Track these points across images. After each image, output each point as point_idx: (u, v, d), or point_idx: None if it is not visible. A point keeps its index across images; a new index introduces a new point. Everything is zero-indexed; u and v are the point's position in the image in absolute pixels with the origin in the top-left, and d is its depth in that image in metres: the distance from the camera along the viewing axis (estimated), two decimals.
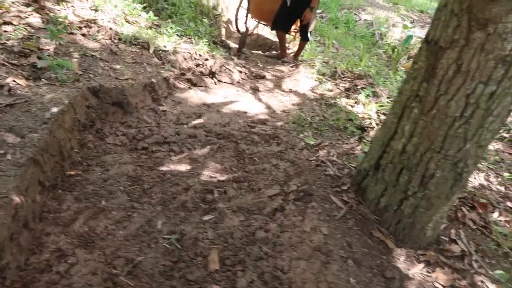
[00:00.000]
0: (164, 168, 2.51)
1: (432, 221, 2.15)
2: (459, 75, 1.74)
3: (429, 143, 1.92)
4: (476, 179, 3.50)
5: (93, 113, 2.77)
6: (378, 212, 2.24)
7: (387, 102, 4.11)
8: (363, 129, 3.37)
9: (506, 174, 3.64)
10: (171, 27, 4.51)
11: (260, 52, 5.99)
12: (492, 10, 1.57)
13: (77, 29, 3.60)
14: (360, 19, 8.53)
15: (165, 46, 4.04)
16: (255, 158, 2.72)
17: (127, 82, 3.11)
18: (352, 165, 2.70)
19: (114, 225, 2.04)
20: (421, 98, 1.91)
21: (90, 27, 3.75)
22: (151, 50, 3.89)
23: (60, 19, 3.49)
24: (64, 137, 2.37)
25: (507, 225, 2.88)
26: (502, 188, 3.45)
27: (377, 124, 3.61)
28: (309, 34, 5.25)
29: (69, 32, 3.45)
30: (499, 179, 3.57)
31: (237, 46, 5.56)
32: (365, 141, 3.14)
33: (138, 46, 3.86)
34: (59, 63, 2.84)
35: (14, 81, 2.51)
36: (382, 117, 3.82)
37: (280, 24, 5.33)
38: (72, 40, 3.36)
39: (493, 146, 4.25)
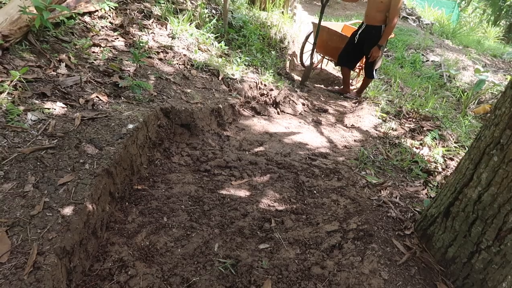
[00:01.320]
0: (224, 192, 2.55)
1: (507, 280, 1.96)
2: None
3: (510, 194, 1.78)
4: None
5: (163, 132, 2.91)
6: (444, 263, 2.09)
7: (455, 146, 3.91)
8: (429, 172, 3.21)
9: None
10: (240, 57, 4.70)
11: (322, 86, 6.02)
12: None
13: (155, 53, 3.87)
14: (428, 60, 8.31)
15: (233, 74, 4.20)
16: (315, 191, 2.68)
17: (196, 105, 3.25)
18: (417, 209, 2.56)
19: (174, 242, 2.09)
20: (502, 146, 1.79)
21: (167, 53, 4.01)
22: (220, 77, 4.05)
23: (141, 44, 3.78)
24: (136, 152, 2.50)
25: None
26: None
27: (443, 169, 3.43)
28: (374, 72, 5.19)
29: (148, 56, 3.72)
30: None
31: (300, 78, 5.64)
32: (431, 185, 2.99)
33: (208, 73, 4.05)
34: (138, 84, 3.04)
35: (98, 97, 2.72)
36: (449, 162, 3.63)
37: (346, 61, 5.34)
38: (150, 64, 3.61)
39: None
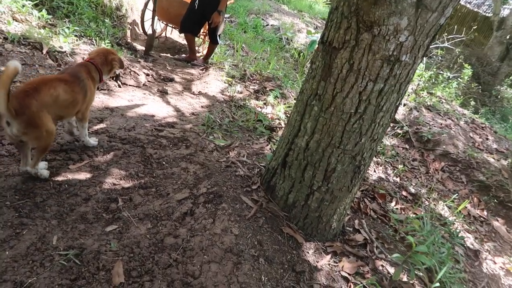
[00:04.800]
0: (60, 178, 2.28)
1: (337, 213, 2.26)
2: (352, 74, 1.85)
3: (329, 139, 2.02)
4: (376, 172, 3.81)
5: None
6: (287, 209, 2.29)
7: (294, 102, 4.28)
8: (272, 129, 3.45)
9: (400, 167, 4.02)
10: (68, 27, 4.17)
11: (169, 55, 5.84)
12: (376, 13, 1.69)
13: None
14: (268, 24, 8.79)
15: (61, 47, 3.72)
16: (163, 162, 2.61)
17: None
18: (262, 164, 2.73)
19: None
20: (320, 96, 1.99)
21: None
22: (44, 51, 3.54)
23: None
24: None
25: (403, 212, 3.17)
26: (398, 179, 3.80)
27: (285, 124, 3.74)
28: (218, 38, 5.25)
29: None
30: (395, 171, 3.92)
31: (144, 48, 5.35)
32: (274, 140, 3.21)
33: (28, 47, 3.49)
34: None
35: None
36: None
37: (188, 27, 5.25)
38: None
39: (390, 141, 4.67)
